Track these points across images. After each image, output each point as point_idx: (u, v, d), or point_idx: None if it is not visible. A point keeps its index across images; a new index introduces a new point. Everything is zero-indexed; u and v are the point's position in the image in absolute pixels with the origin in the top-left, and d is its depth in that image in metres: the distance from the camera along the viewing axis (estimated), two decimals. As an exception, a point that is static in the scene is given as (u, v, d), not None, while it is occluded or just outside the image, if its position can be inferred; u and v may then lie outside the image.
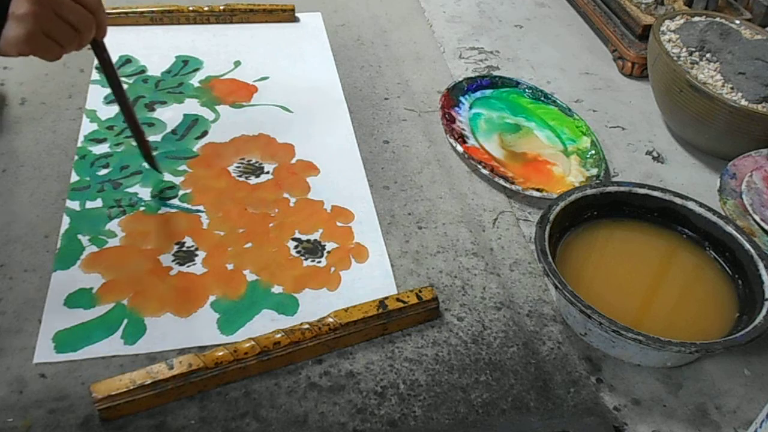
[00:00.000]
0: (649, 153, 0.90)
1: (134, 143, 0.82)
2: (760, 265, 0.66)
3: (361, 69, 0.99)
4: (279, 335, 0.61)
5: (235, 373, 0.59)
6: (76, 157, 0.80)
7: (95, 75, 0.92)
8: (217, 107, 0.89)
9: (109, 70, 0.70)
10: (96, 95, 0.89)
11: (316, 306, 0.66)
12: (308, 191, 0.79)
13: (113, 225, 0.73)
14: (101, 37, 0.67)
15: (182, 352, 0.62)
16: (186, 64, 0.96)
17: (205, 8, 1.03)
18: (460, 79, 0.95)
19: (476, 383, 0.62)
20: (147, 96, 0.90)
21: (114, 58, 0.94)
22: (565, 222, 0.71)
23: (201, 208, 0.76)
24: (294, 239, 0.73)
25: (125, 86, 0.90)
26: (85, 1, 0.62)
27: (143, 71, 0.94)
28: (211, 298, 0.67)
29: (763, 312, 0.62)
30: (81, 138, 0.82)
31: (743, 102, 0.81)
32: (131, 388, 0.56)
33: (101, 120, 0.85)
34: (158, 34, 1.01)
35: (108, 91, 0.89)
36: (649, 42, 0.91)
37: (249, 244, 0.72)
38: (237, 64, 0.97)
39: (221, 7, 1.04)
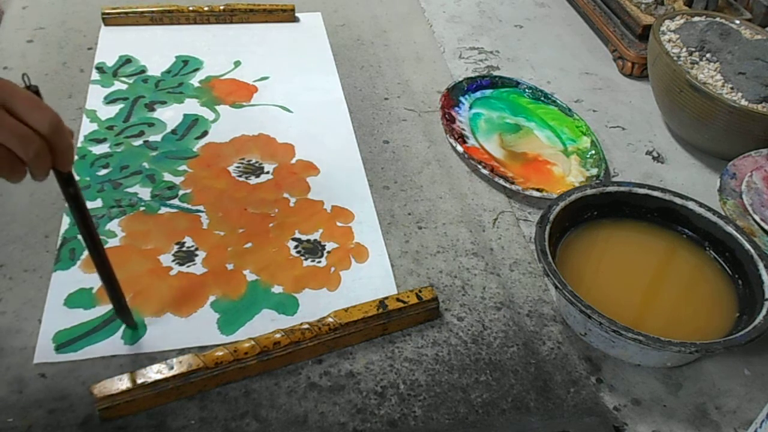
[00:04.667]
0: (649, 153, 0.90)
1: (134, 144, 0.83)
2: (760, 265, 0.66)
3: (361, 69, 0.99)
4: (279, 335, 0.61)
5: (235, 373, 0.59)
6: (76, 157, 0.80)
7: (95, 75, 0.92)
8: (217, 107, 0.89)
9: (78, 212, 0.55)
10: (96, 95, 0.89)
11: (316, 306, 0.66)
12: (308, 191, 0.79)
13: (113, 225, 0.73)
14: (64, 169, 0.52)
15: (182, 352, 0.62)
16: (186, 64, 0.96)
17: (205, 8, 1.03)
18: (460, 79, 0.95)
19: (476, 383, 0.62)
20: (147, 96, 0.90)
21: (114, 58, 0.95)
22: (565, 222, 0.71)
23: (201, 208, 0.76)
24: (294, 239, 0.73)
25: (125, 86, 0.91)
26: (34, 120, 0.47)
27: (143, 71, 0.94)
28: (211, 298, 0.67)
29: (763, 312, 0.62)
30: (81, 138, 0.82)
31: (743, 102, 0.81)
32: (131, 388, 0.56)
33: (101, 120, 0.85)
34: (158, 34, 1.01)
35: (108, 90, 0.90)
36: (649, 42, 0.91)
37: (249, 244, 0.72)
38: (237, 64, 0.97)
39: (221, 7, 1.04)
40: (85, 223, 0.56)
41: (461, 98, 0.92)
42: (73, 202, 0.55)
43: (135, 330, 0.63)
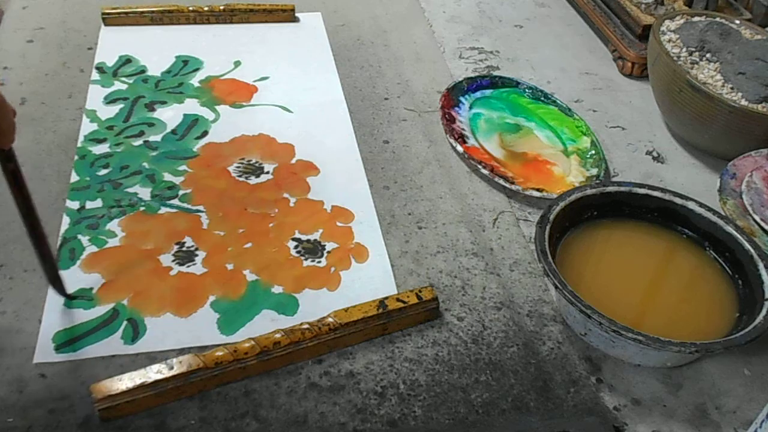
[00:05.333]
0: (649, 153, 0.90)
1: (134, 144, 0.83)
2: (760, 265, 0.66)
3: (361, 69, 0.99)
4: (279, 335, 0.61)
5: (235, 373, 0.59)
6: (76, 157, 0.80)
7: (95, 75, 0.92)
8: (217, 107, 0.89)
9: (16, 186, 0.58)
10: (96, 95, 0.89)
11: (316, 306, 0.66)
12: (308, 191, 0.79)
13: (113, 225, 0.73)
14: (4, 147, 0.54)
15: (182, 352, 0.62)
16: (186, 64, 0.96)
17: (205, 8, 1.03)
18: (460, 79, 0.95)
19: (476, 383, 0.62)
20: (147, 96, 0.90)
21: (114, 58, 0.95)
22: (565, 222, 0.71)
23: (201, 208, 0.76)
24: (294, 239, 0.73)
25: (125, 86, 0.91)
26: None
27: (143, 71, 0.94)
28: (211, 298, 0.67)
29: (763, 312, 0.62)
30: (81, 138, 0.82)
31: (743, 102, 0.81)
32: (131, 388, 0.56)
33: (101, 120, 0.85)
34: (158, 34, 1.01)
35: (108, 91, 0.90)
36: (649, 42, 0.91)
37: (249, 244, 0.72)
38: (237, 64, 0.97)
39: (221, 7, 1.04)
40: (23, 199, 0.59)
41: (461, 98, 0.92)
42: (12, 178, 0.57)
43: (71, 300, 0.65)
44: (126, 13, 1.01)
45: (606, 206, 0.73)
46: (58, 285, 0.64)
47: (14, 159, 0.57)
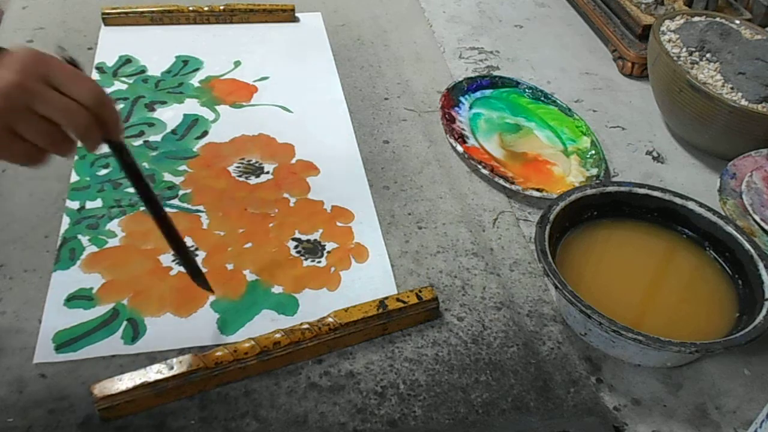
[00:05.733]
0: (649, 153, 0.90)
1: (134, 144, 0.83)
2: (760, 265, 0.66)
3: (361, 69, 0.99)
4: (279, 335, 0.61)
5: (235, 373, 0.59)
6: (76, 157, 0.80)
7: (95, 75, 0.92)
8: (217, 107, 0.89)
9: (134, 178, 0.55)
10: (96, 95, 0.89)
11: (316, 306, 0.66)
12: (308, 191, 0.79)
13: (113, 225, 0.73)
14: (114, 138, 0.52)
15: (182, 352, 0.61)
16: (186, 64, 0.96)
17: (205, 8, 1.03)
18: (460, 79, 0.95)
19: (476, 383, 0.62)
20: (147, 96, 0.90)
21: (114, 58, 0.95)
22: (565, 222, 0.71)
23: (201, 208, 0.76)
24: (294, 239, 0.73)
25: (125, 86, 0.91)
26: (77, 93, 0.48)
27: (143, 71, 0.94)
28: (211, 298, 0.66)
29: (763, 312, 0.62)
30: (81, 138, 0.82)
31: (743, 102, 0.81)
32: (131, 388, 0.56)
33: (101, 120, 0.85)
34: (158, 34, 1.01)
35: (108, 91, 0.89)
36: (649, 42, 0.91)
37: (249, 244, 0.72)
38: (237, 64, 0.97)
39: (221, 7, 1.04)
40: (143, 191, 0.56)
41: (461, 98, 0.92)
42: (128, 171, 0.55)
43: (212, 292, 0.64)
44: (126, 13, 1.01)
45: (606, 206, 0.73)
46: (201, 280, 0.62)
47: (127, 151, 0.54)
